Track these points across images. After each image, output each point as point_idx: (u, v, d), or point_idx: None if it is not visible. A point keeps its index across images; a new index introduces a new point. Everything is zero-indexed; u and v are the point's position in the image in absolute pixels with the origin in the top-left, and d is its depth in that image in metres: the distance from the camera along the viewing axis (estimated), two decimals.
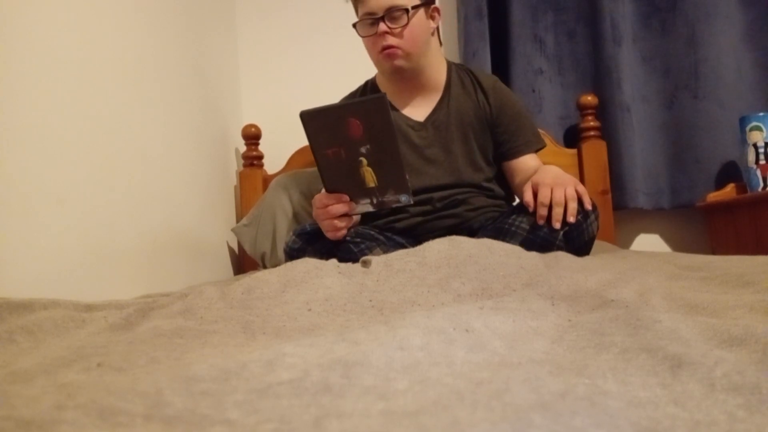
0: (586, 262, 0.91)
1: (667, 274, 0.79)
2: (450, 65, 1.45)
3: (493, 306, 0.58)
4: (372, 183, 1.05)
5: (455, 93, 1.41)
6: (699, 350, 0.39)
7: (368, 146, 1.00)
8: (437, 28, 1.40)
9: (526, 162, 1.38)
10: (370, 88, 1.50)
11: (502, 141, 1.40)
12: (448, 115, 1.39)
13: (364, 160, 1.02)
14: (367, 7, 1.28)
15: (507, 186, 1.45)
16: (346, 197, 1.08)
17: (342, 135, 0.99)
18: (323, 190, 1.11)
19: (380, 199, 1.07)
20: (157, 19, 1.51)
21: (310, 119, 0.99)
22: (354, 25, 1.33)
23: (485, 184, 1.39)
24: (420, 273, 0.78)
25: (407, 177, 1.06)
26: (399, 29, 1.28)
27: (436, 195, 1.35)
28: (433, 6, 1.36)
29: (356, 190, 1.06)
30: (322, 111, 1.01)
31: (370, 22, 1.29)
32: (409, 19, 1.28)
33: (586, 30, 1.96)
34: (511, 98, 1.43)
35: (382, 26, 1.27)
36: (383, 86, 1.46)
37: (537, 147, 1.41)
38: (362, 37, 1.33)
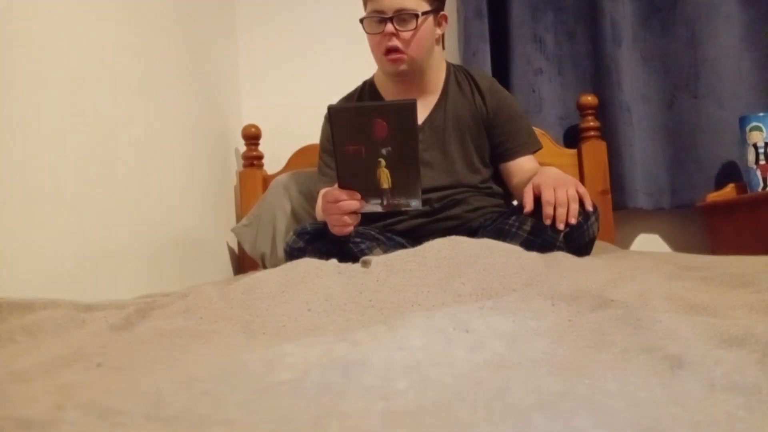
0: (586, 262, 0.91)
1: (667, 274, 0.79)
2: (449, 67, 1.45)
3: (493, 306, 0.58)
4: (386, 184, 1.06)
5: (452, 95, 1.41)
6: (699, 350, 0.39)
7: (389, 148, 1.02)
8: (442, 34, 1.40)
9: (523, 164, 1.39)
10: (368, 89, 1.50)
11: (498, 143, 1.40)
12: (445, 118, 1.39)
13: (383, 161, 1.04)
14: (376, 5, 1.28)
15: (505, 186, 1.45)
16: (358, 195, 1.08)
17: (366, 134, 1.01)
18: (335, 185, 1.11)
19: (390, 201, 1.08)
20: (157, 19, 1.51)
21: (338, 114, 1.01)
22: (361, 21, 1.32)
23: (482, 185, 1.40)
24: (420, 273, 0.78)
25: (420, 183, 1.07)
26: (406, 33, 1.28)
27: (434, 195, 1.35)
28: (441, 13, 1.35)
29: (369, 189, 1.07)
30: (350, 108, 1.02)
31: (377, 20, 1.29)
32: (418, 26, 1.28)
33: (586, 30, 1.96)
34: (507, 100, 1.43)
35: (390, 27, 1.27)
36: (383, 86, 1.46)
37: (534, 149, 1.41)
38: (368, 34, 1.32)
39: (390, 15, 1.27)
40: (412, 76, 1.37)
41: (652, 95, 1.93)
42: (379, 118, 1.00)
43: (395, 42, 1.28)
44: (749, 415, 0.29)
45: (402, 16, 1.27)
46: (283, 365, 0.37)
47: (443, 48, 1.45)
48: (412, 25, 1.28)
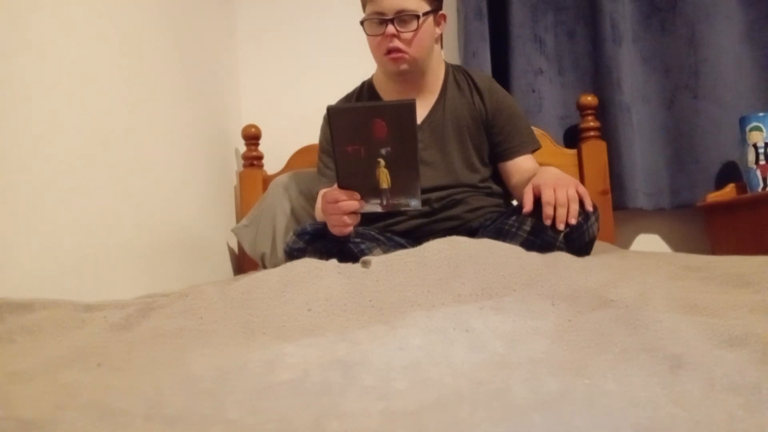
0: (586, 262, 0.91)
1: (667, 274, 0.79)
2: (448, 67, 1.45)
3: (493, 306, 0.58)
4: (385, 184, 1.06)
5: (451, 94, 1.41)
6: (699, 350, 0.39)
7: (389, 148, 1.02)
8: (440, 33, 1.40)
9: (522, 163, 1.39)
10: (366, 89, 1.50)
11: (497, 142, 1.40)
12: (444, 117, 1.39)
13: (382, 161, 1.04)
14: (377, 6, 1.27)
15: (504, 185, 1.45)
16: (358, 195, 1.08)
17: (365, 134, 1.01)
18: (335, 185, 1.11)
19: (390, 201, 1.09)
20: (156, 19, 1.51)
21: (337, 114, 1.01)
22: (361, 22, 1.32)
23: (481, 184, 1.40)
24: (420, 273, 0.78)
25: (420, 183, 1.07)
26: (408, 34, 1.28)
27: (434, 195, 1.35)
28: (440, 12, 1.36)
29: (368, 189, 1.08)
30: (350, 108, 1.03)
31: (378, 22, 1.29)
32: (419, 26, 1.28)
33: (586, 30, 1.96)
34: (506, 99, 1.43)
35: (391, 28, 1.27)
36: (381, 87, 1.46)
37: (533, 148, 1.41)
38: (368, 35, 1.32)
39: (391, 16, 1.27)
40: (412, 75, 1.37)
41: (652, 95, 1.93)
42: (378, 119, 1.00)
43: (397, 43, 1.28)
44: (749, 415, 0.29)
45: (403, 17, 1.27)
46: (283, 365, 0.37)
47: (441, 47, 1.45)
48: (413, 25, 1.28)
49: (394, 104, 1.04)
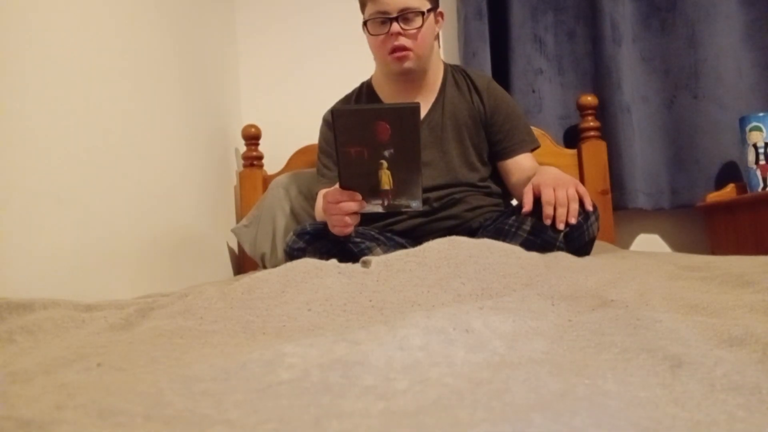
0: (586, 262, 0.91)
1: (667, 274, 0.79)
2: (446, 66, 1.45)
3: (493, 306, 0.58)
4: (387, 186, 1.07)
5: (450, 94, 1.41)
6: (699, 350, 0.39)
7: (391, 150, 1.03)
8: (438, 32, 1.41)
9: (521, 162, 1.39)
10: (365, 90, 1.50)
11: (496, 141, 1.40)
12: (443, 117, 1.40)
13: (385, 163, 1.04)
14: (380, 6, 1.27)
15: (504, 185, 1.45)
16: (359, 195, 1.08)
17: (369, 136, 1.02)
18: (336, 185, 1.11)
19: (392, 202, 1.09)
20: (157, 19, 1.51)
21: (341, 116, 1.02)
22: (364, 24, 1.32)
23: (481, 183, 1.40)
24: (420, 273, 0.78)
25: (421, 185, 1.08)
26: (412, 31, 1.28)
27: (433, 195, 1.35)
28: (438, 10, 1.36)
29: (370, 190, 1.08)
30: (354, 111, 1.03)
31: (381, 21, 1.29)
32: (423, 22, 1.28)
33: (586, 30, 1.96)
34: (505, 98, 1.44)
35: (396, 27, 1.27)
36: (381, 88, 1.46)
37: (532, 146, 1.42)
38: (372, 35, 1.32)
39: (395, 15, 1.27)
40: (414, 75, 1.37)
41: (652, 95, 1.94)
42: (382, 121, 1.00)
43: (402, 41, 1.29)
44: (749, 415, 0.29)
45: (407, 15, 1.27)
46: (283, 365, 0.37)
47: (439, 46, 1.45)
48: (417, 23, 1.28)
49: (398, 107, 1.05)
